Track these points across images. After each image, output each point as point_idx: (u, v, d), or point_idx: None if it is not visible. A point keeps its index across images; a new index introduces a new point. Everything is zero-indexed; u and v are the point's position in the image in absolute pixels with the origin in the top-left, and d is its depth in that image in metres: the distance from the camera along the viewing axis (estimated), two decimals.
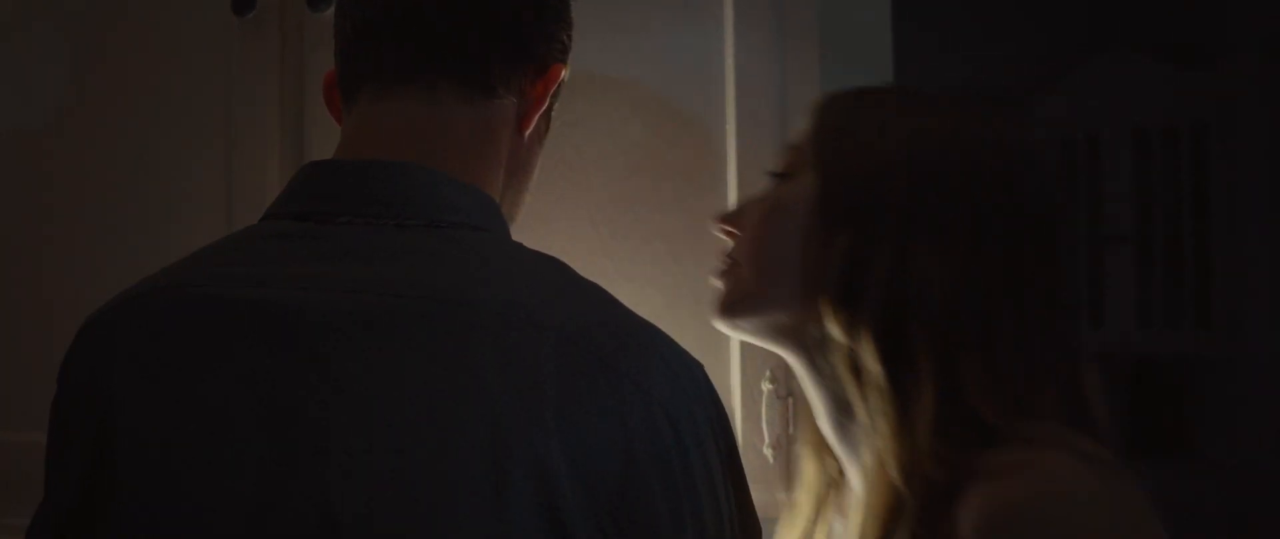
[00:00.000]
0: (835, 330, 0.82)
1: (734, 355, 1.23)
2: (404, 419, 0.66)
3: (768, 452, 1.20)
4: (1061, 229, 0.89)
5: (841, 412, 0.87)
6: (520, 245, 0.80)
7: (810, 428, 0.96)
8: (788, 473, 1.21)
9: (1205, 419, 3.58)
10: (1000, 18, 4.51)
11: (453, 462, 0.65)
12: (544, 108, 0.85)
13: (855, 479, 0.89)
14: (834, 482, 0.96)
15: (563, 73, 0.86)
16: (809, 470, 0.97)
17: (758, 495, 1.19)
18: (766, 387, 1.21)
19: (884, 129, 0.86)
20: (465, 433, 0.65)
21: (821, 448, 0.95)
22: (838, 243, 0.82)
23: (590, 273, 1.26)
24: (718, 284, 0.93)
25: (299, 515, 0.66)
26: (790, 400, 1.21)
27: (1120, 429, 4.25)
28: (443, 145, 0.79)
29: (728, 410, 1.23)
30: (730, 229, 0.93)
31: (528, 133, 0.85)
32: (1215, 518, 3.12)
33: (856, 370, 0.81)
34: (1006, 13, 4.48)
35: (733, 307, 0.90)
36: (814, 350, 0.86)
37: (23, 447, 1.04)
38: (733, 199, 1.22)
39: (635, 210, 1.24)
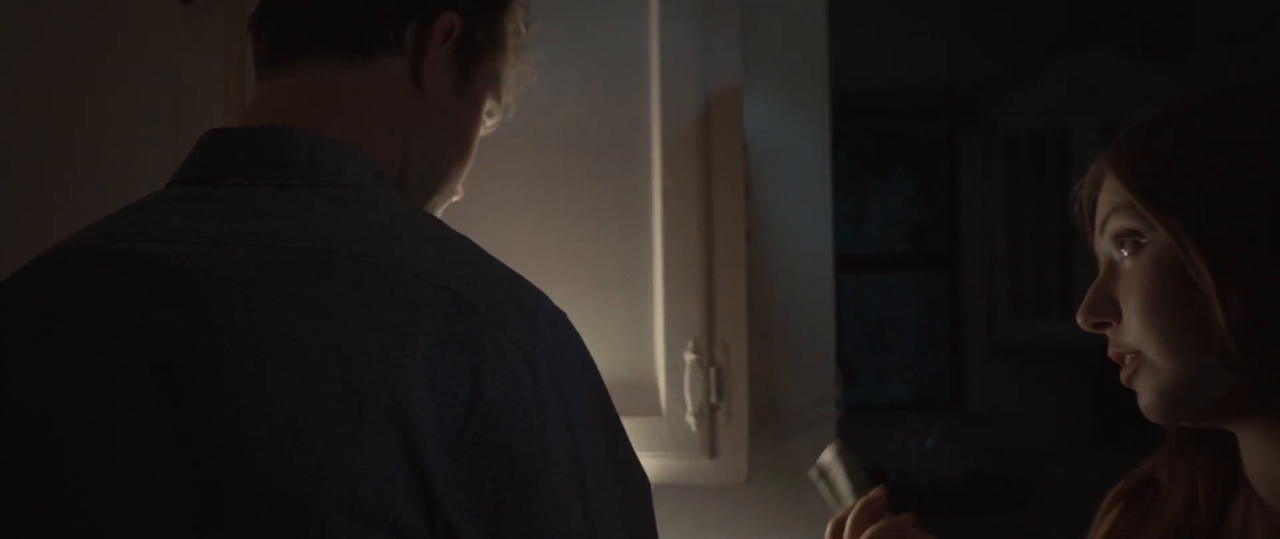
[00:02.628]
0: (1266, 376, 0.77)
1: (658, 327, 1.27)
2: (270, 362, 0.70)
3: (691, 420, 1.25)
4: None
5: None
6: (401, 203, 0.84)
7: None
8: (711, 441, 1.25)
9: None
10: (972, 11, 4.56)
11: (311, 402, 0.68)
12: (433, 58, 0.86)
13: None
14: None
15: (453, 20, 0.87)
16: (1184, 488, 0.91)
17: (681, 462, 1.25)
18: (689, 357, 1.25)
19: (1215, 156, 0.80)
20: (321, 373, 0.69)
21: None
22: (1238, 291, 0.76)
23: (523, 247, 1.30)
24: (1136, 385, 0.84)
25: (188, 463, 0.69)
26: (712, 370, 1.25)
27: (1086, 420, 4.31)
28: (326, 111, 0.83)
29: (653, 380, 1.28)
30: (1102, 321, 0.85)
31: (427, 85, 0.87)
32: None
33: None
34: (979, 7, 4.52)
35: (1170, 404, 0.82)
36: (1261, 409, 0.81)
37: None
38: (656, 174, 1.27)
39: (566, 186, 1.29)
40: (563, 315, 0.77)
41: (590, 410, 0.75)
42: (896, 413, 4.54)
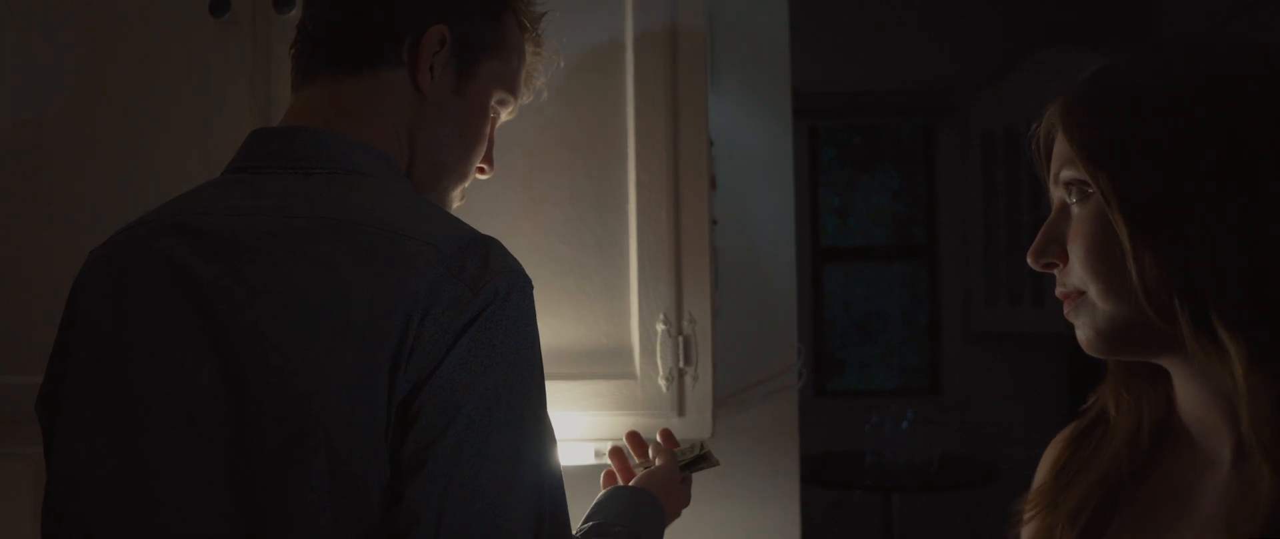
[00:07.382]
0: (1186, 325, 0.81)
1: (633, 301, 1.43)
2: (285, 304, 0.89)
3: (662, 382, 1.41)
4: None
5: (1223, 399, 0.86)
6: (402, 185, 1.02)
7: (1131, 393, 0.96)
8: (680, 401, 1.42)
9: None
10: (950, 14, 4.70)
11: (316, 336, 0.87)
12: (427, 66, 1.03)
13: (1223, 460, 0.88)
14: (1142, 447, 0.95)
15: (442, 32, 1.03)
16: (1126, 427, 0.96)
17: (653, 419, 1.42)
18: (660, 327, 1.42)
19: (1139, 120, 0.82)
20: (325, 314, 0.87)
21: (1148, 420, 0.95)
22: (1151, 251, 0.81)
23: (514, 229, 1.47)
24: (1076, 321, 0.89)
25: (221, 381, 0.88)
26: (681, 339, 1.42)
27: (1054, 402, 4.47)
28: (340, 114, 1.02)
29: (628, 348, 1.44)
30: (1050, 262, 0.90)
31: (425, 89, 1.03)
32: None
33: (1223, 354, 0.81)
34: (956, 10, 4.67)
35: (1105, 341, 0.87)
36: (1183, 349, 0.84)
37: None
38: (631, 168, 1.44)
39: (552, 178, 1.45)
40: (521, 276, 0.92)
41: (508, 343, 0.90)
42: (879, 398, 4.71)
